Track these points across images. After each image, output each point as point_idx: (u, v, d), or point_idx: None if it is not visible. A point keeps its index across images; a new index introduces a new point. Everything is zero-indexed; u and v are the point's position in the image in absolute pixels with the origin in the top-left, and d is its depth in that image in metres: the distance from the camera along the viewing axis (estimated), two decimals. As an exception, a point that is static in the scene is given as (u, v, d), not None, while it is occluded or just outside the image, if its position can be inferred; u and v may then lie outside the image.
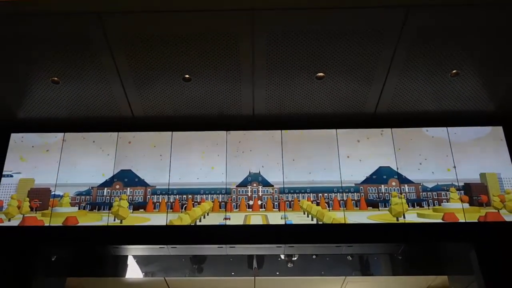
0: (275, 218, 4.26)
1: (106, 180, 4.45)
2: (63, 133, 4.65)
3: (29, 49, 3.74)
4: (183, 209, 4.32)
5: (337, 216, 4.25)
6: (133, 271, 5.63)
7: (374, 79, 4.12)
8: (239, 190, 4.40)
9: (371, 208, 4.30)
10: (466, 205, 4.27)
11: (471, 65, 3.95)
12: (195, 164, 4.50)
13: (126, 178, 4.46)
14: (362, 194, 4.36)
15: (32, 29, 3.56)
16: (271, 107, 4.47)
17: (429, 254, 4.97)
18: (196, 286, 6.42)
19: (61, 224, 4.25)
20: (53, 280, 4.60)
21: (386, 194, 4.35)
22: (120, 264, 5.48)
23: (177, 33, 3.63)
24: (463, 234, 4.17)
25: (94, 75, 4.04)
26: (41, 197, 4.38)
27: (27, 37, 3.63)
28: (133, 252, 4.79)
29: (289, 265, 5.40)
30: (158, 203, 4.36)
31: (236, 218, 4.27)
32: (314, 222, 4.25)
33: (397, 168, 4.44)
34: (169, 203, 4.35)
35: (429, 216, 4.23)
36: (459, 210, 4.24)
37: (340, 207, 4.30)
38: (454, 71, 4.02)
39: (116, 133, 4.65)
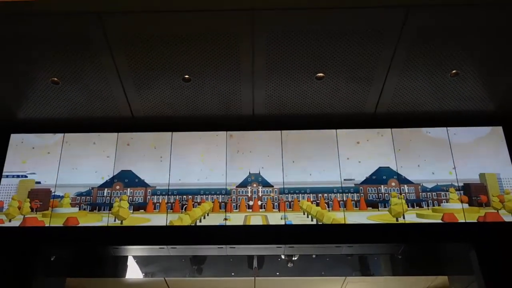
0: (275, 218, 4.26)
1: (106, 180, 4.45)
2: (63, 134, 4.64)
3: (29, 49, 3.74)
4: (183, 210, 4.32)
5: (337, 217, 4.25)
6: (133, 272, 5.63)
7: (374, 79, 4.12)
8: (239, 191, 4.40)
9: (370, 208, 4.30)
10: (466, 205, 4.27)
11: (471, 65, 3.96)
12: (195, 165, 4.49)
13: (127, 178, 4.46)
14: (362, 194, 4.36)
15: (32, 29, 3.56)
16: (271, 107, 4.47)
17: (429, 254, 4.97)
18: (196, 286, 6.41)
19: (61, 225, 4.25)
20: (53, 280, 4.60)
21: (386, 194, 4.35)
22: (120, 265, 5.48)
23: (177, 33, 3.63)
24: (463, 234, 4.17)
25: (94, 75, 4.04)
26: (41, 198, 4.37)
27: (27, 37, 3.63)
28: (133, 252, 4.79)
29: (289, 264, 5.40)
30: (158, 204, 4.36)
31: (236, 219, 4.27)
32: (314, 222, 4.25)
33: (397, 169, 4.44)
34: (169, 204, 4.35)
35: (429, 216, 4.23)
36: (458, 210, 4.24)
37: (340, 207, 4.30)
38: (454, 71, 4.02)
39: (116, 133, 4.65)
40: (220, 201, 4.35)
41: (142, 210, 4.35)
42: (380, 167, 4.45)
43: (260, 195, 4.38)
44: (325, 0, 3.36)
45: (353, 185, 4.39)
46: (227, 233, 4.23)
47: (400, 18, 3.50)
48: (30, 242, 4.23)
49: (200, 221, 4.27)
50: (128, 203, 4.36)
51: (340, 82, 4.15)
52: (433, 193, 4.34)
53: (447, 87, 4.21)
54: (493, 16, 3.48)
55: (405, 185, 4.38)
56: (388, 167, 4.46)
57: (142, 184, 4.44)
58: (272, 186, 4.41)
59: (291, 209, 4.30)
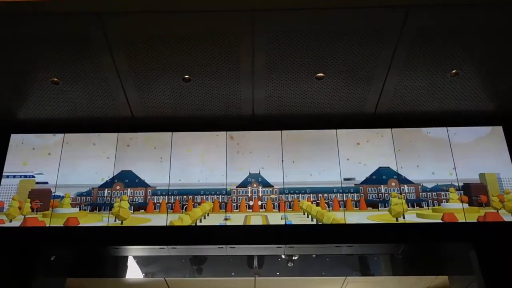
0: (275, 218, 4.26)
1: (107, 181, 4.45)
2: (63, 134, 4.65)
3: (29, 49, 3.74)
4: (184, 210, 4.32)
5: (337, 217, 4.25)
6: (134, 272, 5.63)
7: (374, 79, 4.12)
8: (239, 191, 4.40)
9: (370, 208, 4.30)
10: (466, 205, 4.27)
11: (471, 65, 3.96)
12: (195, 165, 4.50)
13: (127, 179, 4.46)
14: (362, 194, 4.36)
15: (32, 29, 3.56)
16: (271, 107, 4.48)
17: (429, 254, 4.97)
18: (197, 286, 6.41)
19: (62, 225, 4.25)
20: (53, 281, 4.60)
21: (386, 194, 4.36)
22: (120, 265, 5.48)
23: (177, 33, 3.63)
24: (463, 234, 4.18)
25: (94, 75, 4.04)
26: (42, 198, 4.38)
27: (27, 37, 3.63)
28: (133, 252, 4.79)
29: (289, 264, 5.40)
30: (158, 204, 4.36)
31: (236, 219, 4.27)
32: (314, 222, 4.25)
33: (397, 169, 4.44)
34: (170, 204, 4.35)
35: (429, 216, 4.24)
36: (458, 210, 4.24)
37: (340, 207, 4.30)
38: (454, 71, 4.02)
39: (116, 133, 4.65)
40: (220, 201, 4.35)
41: (143, 210, 4.35)
42: (380, 167, 4.45)
43: (260, 195, 4.38)
44: (325, 0, 3.36)
45: (353, 185, 4.39)
46: (227, 233, 4.24)
47: (400, 18, 3.50)
48: (30, 242, 4.24)
49: (200, 221, 4.27)
50: (129, 203, 4.36)
51: (340, 82, 4.15)
52: (433, 193, 4.34)
53: (447, 87, 4.21)
54: (493, 16, 3.48)
55: (405, 185, 4.38)
56: (388, 167, 4.46)
57: (142, 184, 4.44)
58: (272, 186, 4.41)
59: (291, 209, 4.30)
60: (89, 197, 4.38)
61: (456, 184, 4.35)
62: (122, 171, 4.49)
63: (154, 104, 4.41)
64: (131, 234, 4.25)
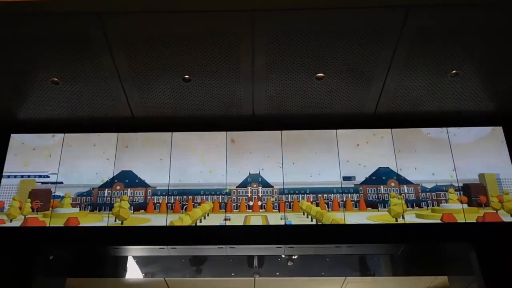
0: (275, 218, 4.26)
1: (107, 181, 4.45)
2: (63, 134, 4.65)
3: (29, 49, 3.74)
4: (184, 210, 4.33)
5: (337, 217, 4.25)
6: (133, 272, 5.63)
7: (374, 79, 4.12)
8: (239, 191, 4.40)
9: (370, 208, 4.30)
10: (465, 205, 4.27)
11: (471, 65, 3.96)
12: (195, 165, 4.50)
13: (127, 179, 4.47)
14: (362, 194, 4.36)
15: (32, 29, 3.56)
16: (271, 107, 4.48)
17: (429, 255, 4.97)
18: (196, 286, 6.42)
19: (62, 225, 4.25)
20: (54, 281, 4.61)
21: (386, 194, 4.36)
22: (120, 265, 5.48)
23: (177, 33, 3.64)
24: (462, 234, 4.17)
25: (94, 76, 4.04)
26: (42, 198, 4.38)
27: (27, 37, 3.63)
28: (133, 252, 4.79)
29: (289, 263, 5.40)
30: (158, 204, 4.36)
31: (236, 219, 4.27)
32: (314, 222, 4.25)
33: (397, 169, 4.44)
34: (170, 204, 4.35)
35: (428, 216, 4.23)
36: (458, 210, 4.24)
37: (339, 207, 4.30)
38: (454, 71, 4.02)
39: (116, 133, 4.65)
40: (220, 201, 4.35)
41: (143, 210, 4.35)
42: (379, 168, 4.45)
43: (260, 196, 4.38)
44: (325, 0, 3.36)
45: (353, 186, 4.39)
46: (227, 233, 4.24)
47: (400, 18, 3.50)
48: (31, 242, 4.24)
49: (200, 221, 4.27)
50: (129, 203, 4.36)
51: (340, 82, 4.15)
52: (433, 194, 4.34)
53: (447, 87, 4.21)
54: (493, 16, 3.48)
55: (405, 186, 4.38)
56: (388, 167, 4.46)
57: (142, 184, 4.45)
58: (272, 187, 4.41)
59: (291, 210, 4.30)
60: (89, 197, 4.38)
61: (456, 184, 4.35)
62: (122, 171, 4.50)
63: (154, 104, 4.41)
64: (131, 234, 4.25)
